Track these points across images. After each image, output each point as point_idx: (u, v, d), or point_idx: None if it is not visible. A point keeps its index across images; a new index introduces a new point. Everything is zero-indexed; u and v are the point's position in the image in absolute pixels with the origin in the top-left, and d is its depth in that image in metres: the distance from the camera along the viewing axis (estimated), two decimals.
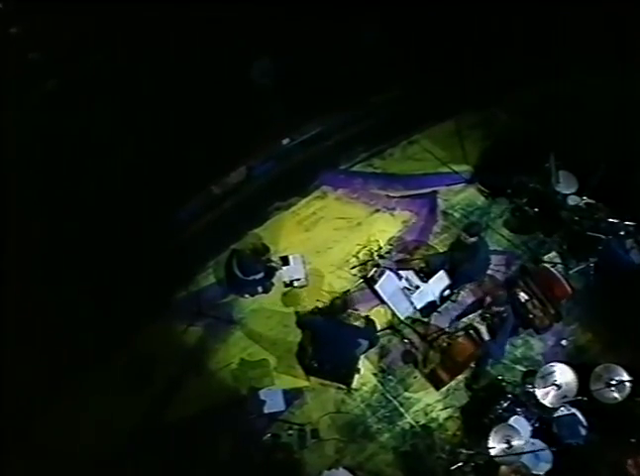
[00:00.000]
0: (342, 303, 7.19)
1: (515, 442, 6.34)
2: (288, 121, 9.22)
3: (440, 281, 7.19)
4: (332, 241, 8.48)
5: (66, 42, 7.49)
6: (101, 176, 7.95)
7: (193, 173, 8.54)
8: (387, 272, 7.35)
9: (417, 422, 7.33)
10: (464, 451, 6.97)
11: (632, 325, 7.29)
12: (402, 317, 7.26)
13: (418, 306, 7.21)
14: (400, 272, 7.43)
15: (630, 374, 6.67)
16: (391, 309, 7.32)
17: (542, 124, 8.45)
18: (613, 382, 6.62)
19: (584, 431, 6.64)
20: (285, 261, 8.25)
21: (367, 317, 7.59)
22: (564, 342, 7.59)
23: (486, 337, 6.80)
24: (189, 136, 8.37)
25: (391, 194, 8.77)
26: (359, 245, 8.36)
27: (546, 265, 7.54)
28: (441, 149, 9.03)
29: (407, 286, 7.28)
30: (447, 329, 7.54)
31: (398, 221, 8.57)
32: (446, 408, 7.37)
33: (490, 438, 6.46)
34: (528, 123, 8.66)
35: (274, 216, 8.73)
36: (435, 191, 8.74)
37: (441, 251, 8.23)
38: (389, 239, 8.40)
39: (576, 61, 8.35)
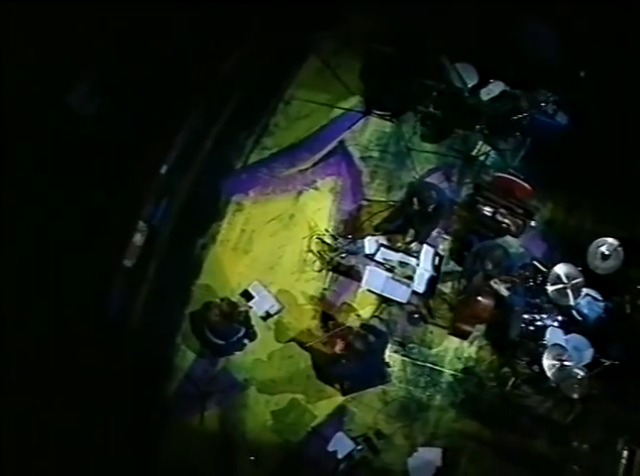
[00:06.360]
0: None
1: (566, 360, 6.67)
2: (148, 146, 7.96)
3: (427, 255, 6.94)
4: (277, 249, 7.82)
5: None
6: None
7: (91, 257, 7.43)
8: (367, 267, 6.98)
9: (456, 370, 7.47)
10: (508, 370, 7.41)
11: (582, 180, 7.52)
12: (405, 302, 7.05)
13: (422, 291, 7.01)
14: (376, 257, 7.05)
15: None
16: (392, 299, 7.08)
17: (405, 17, 7.80)
18: (607, 252, 6.93)
19: (601, 304, 7.07)
20: (248, 296, 7.64)
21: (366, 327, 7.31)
22: (532, 223, 7.68)
23: (505, 293, 6.79)
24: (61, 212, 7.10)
25: (302, 168, 8.03)
26: (304, 238, 7.80)
27: (501, 173, 7.41)
28: (321, 92, 8.16)
29: (388, 267, 6.98)
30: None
31: (326, 192, 7.95)
32: (472, 342, 7.53)
33: (545, 363, 6.71)
34: (390, 21, 7.93)
35: (206, 256, 7.85)
36: (341, 141, 8.06)
37: (382, 200, 7.88)
38: (329, 216, 7.85)
39: None
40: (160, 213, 7.90)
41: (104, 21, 7.04)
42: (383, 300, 7.48)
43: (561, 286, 6.97)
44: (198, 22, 7.49)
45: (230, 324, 7.21)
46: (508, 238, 7.64)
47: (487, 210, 7.32)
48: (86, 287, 7.34)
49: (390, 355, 7.47)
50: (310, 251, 7.74)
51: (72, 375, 7.03)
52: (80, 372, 7.09)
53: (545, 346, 6.85)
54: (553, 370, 6.74)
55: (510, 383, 7.25)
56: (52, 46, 6.75)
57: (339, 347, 6.77)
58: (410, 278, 7.13)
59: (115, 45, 7.27)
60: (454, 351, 7.52)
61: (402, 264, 7.00)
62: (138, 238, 7.78)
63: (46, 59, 6.76)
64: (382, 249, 7.08)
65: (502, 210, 7.29)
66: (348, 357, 6.73)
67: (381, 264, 7.04)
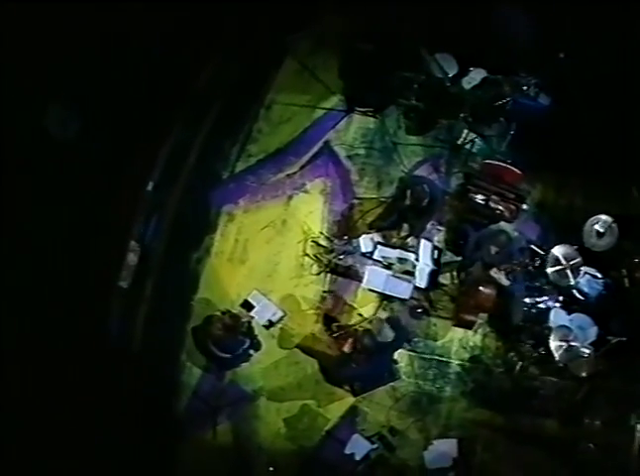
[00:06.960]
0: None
1: (572, 340, 6.71)
2: (132, 164, 7.81)
3: (425, 249, 6.93)
4: (273, 256, 7.76)
5: None
6: None
7: (86, 281, 7.31)
8: (367, 267, 6.95)
9: (463, 360, 7.48)
10: (514, 354, 7.44)
11: (569, 159, 7.51)
12: (407, 298, 7.05)
13: (424, 286, 7.01)
14: (374, 256, 7.03)
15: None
16: (395, 297, 7.06)
17: (380, 12, 7.74)
18: (602, 230, 6.97)
19: (601, 281, 7.12)
20: (249, 306, 7.58)
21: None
22: (525, 207, 7.70)
23: (506, 283, 6.81)
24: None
25: (290, 172, 7.97)
26: (299, 242, 7.75)
27: (488, 160, 7.42)
28: (301, 94, 8.09)
29: (386, 264, 6.96)
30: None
31: (316, 194, 7.90)
32: (476, 331, 7.52)
33: (552, 345, 6.75)
34: (366, 18, 7.85)
35: (202, 270, 7.77)
36: (326, 142, 8.01)
37: (373, 197, 7.86)
38: (322, 218, 7.81)
39: None
40: (151, 231, 7.79)
41: (76, 39, 6.93)
42: (384, 298, 7.45)
43: (560, 267, 7.00)
44: (171, 33, 7.38)
45: (234, 336, 7.17)
46: (502, 224, 7.66)
47: (480, 198, 7.33)
48: (84, 312, 7.25)
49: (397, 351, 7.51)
50: (306, 255, 7.69)
51: (79, 401, 6.90)
52: (87, 397, 6.99)
53: (549, 328, 6.89)
54: (560, 351, 6.78)
55: (518, 367, 7.31)
56: (24, 70, 6.65)
57: (347, 347, 6.75)
58: (409, 273, 7.13)
59: (89, 63, 7.15)
60: (459, 341, 7.53)
61: (401, 260, 6.99)
62: (131, 258, 7.67)
63: (19, 83, 6.65)
64: (380, 247, 7.05)
65: (494, 197, 7.31)
66: (356, 359, 6.71)
67: (379, 262, 7.01)
